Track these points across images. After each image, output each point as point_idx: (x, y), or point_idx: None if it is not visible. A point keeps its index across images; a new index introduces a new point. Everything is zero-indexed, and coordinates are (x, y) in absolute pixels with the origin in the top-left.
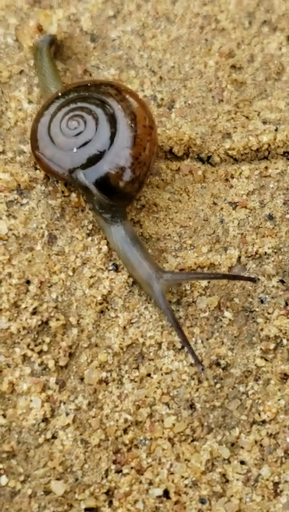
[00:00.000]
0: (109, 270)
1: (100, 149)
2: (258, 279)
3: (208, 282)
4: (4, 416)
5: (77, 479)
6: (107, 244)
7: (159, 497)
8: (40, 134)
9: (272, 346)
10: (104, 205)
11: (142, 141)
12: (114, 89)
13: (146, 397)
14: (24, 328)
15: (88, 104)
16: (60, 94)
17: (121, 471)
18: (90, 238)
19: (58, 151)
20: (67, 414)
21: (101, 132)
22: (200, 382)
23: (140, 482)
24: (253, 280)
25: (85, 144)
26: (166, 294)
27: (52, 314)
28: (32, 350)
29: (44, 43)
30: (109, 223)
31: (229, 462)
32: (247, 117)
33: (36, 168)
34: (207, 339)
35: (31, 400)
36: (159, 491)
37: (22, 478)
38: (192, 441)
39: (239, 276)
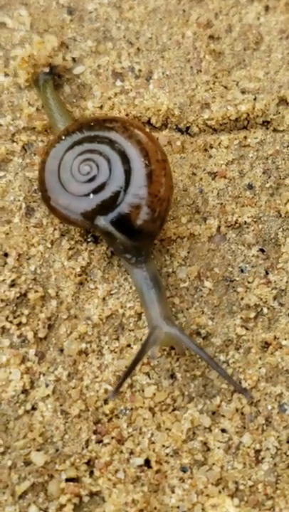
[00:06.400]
0: (88, 242)
1: (116, 191)
2: (251, 397)
3: (188, 252)
4: None
5: (57, 450)
6: None
7: (140, 466)
8: (49, 184)
9: (252, 315)
10: (129, 247)
11: (158, 177)
12: (120, 125)
13: (126, 367)
14: (2, 300)
15: (97, 144)
16: (63, 137)
17: (101, 441)
18: None
19: (72, 199)
20: (46, 386)
21: (115, 173)
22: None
23: (121, 452)
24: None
25: (101, 187)
26: (160, 346)
27: (30, 286)
28: (11, 322)
29: (49, 77)
30: (133, 264)
31: (210, 431)
32: (225, 87)
33: (13, 141)
34: (187, 309)
35: (10, 372)
36: (140, 461)
37: (2, 449)
38: (173, 410)
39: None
